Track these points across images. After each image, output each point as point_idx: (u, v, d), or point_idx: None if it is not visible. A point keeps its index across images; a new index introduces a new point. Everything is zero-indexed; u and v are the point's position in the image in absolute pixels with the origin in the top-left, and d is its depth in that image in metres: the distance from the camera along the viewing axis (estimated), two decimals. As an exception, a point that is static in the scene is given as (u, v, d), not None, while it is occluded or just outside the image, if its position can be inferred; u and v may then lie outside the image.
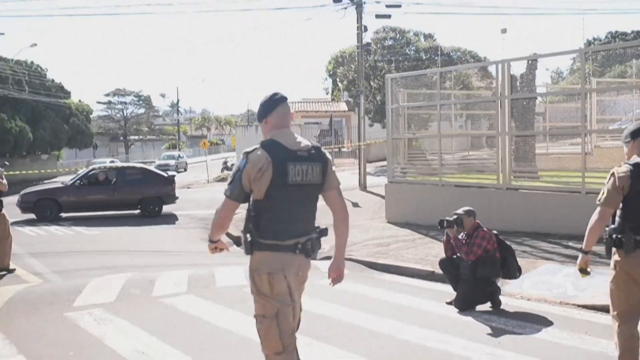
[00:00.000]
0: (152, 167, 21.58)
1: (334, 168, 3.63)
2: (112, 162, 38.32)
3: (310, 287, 7.40)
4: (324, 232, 3.62)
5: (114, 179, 17.23)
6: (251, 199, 3.42)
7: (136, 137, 73.19)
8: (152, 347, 5.30)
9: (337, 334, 5.68)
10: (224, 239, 3.99)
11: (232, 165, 38.77)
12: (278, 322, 3.41)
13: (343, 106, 41.10)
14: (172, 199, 17.20)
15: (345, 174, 27.04)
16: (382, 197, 14.39)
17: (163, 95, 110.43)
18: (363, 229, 12.37)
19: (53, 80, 44.84)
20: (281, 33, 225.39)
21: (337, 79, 36.71)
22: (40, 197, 16.52)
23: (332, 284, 3.75)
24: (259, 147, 3.39)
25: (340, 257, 3.71)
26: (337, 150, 34.26)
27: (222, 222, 3.55)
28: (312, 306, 6.50)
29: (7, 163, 10.94)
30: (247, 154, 3.40)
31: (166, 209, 17.29)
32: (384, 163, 21.03)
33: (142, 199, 16.86)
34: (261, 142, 3.44)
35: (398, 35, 34.64)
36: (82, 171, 18.57)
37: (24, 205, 16.41)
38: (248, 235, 3.47)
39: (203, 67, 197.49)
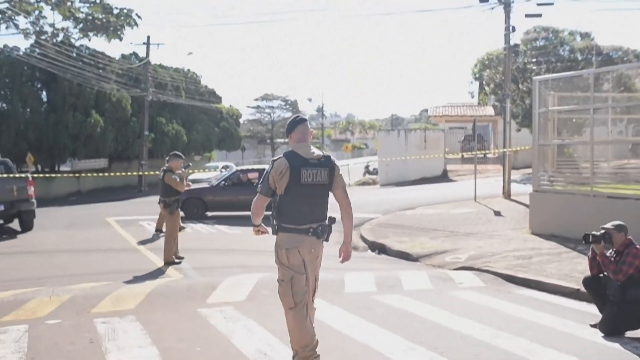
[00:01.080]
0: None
1: (340, 172, 4.78)
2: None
3: (441, 298, 7.15)
4: (332, 220, 4.74)
5: (256, 181, 17.82)
6: (276, 194, 4.58)
7: (282, 140, 75.66)
8: (275, 349, 5.29)
9: (463, 351, 5.32)
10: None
11: (374, 169, 39.12)
12: (292, 285, 4.62)
13: (489, 110, 39.61)
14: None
15: (489, 181, 26.03)
16: (527, 206, 13.59)
17: (310, 100, 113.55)
18: (504, 239, 11.71)
19: (206, 86, 47.63)
20: (426, 36, 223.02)
21: (484, 82, 35.44)
22: (188, 196, 17.46)
23: (341, 262, 4.93)
24: (282, 156, 4.58)
25: (348, 241, 4.91)
26: (481, 156, 33.07)
27: (257, 211, 4.73)
28: (441, 319, 6.20)
29: (190, 164, 11.74)
30: (273, 161, 4.59)
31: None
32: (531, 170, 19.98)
33: (281, 200, 17.26)
34: (284, 153, 4.63)
35: (551, 35, 32.68)
36: (226, 173, 19.40)
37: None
38: (274, 221, 4.67)
39: (349, 72, 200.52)
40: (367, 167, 39.96)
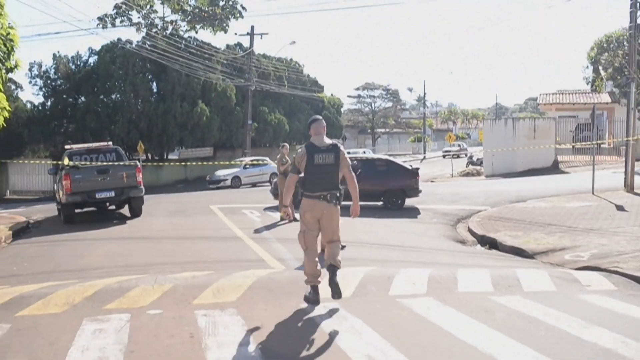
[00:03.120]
0: (396, 159, 21.39)
1: (346, 155, 6.57)
2: (364, 152, 39.50)
3: (568, 303, 6.38)
4: (341, 190, 6.49)
5: (359, 170, 17.39)
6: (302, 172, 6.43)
7: (382, 130, 74.99)
8: (384, 353, 4.81)
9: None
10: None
11: (478, 159, 37.71)
12: (304, 236, 6.52)
13: (605, 97, 37.00)
14: (415, 192, 16.80)
15: (606, 172, 24.27)
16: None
17: (410, 90, 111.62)
18: (631, 237, 10.63)
19: (308, 75, 47.73)
20: (533, 20, 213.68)
21: (600, 67, 33.07)
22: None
23: (352, 217, 6.84)
24: (303, 146, 6.49)
25: (356, 203, 6.70)
26: (596, 146, 30.97)
27: (289, 187, 6.65)
28: (571, 327, 5.48)
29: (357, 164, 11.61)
30: (299, 151, 6.50)
31: (409, 202, 16.96)
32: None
33: (385, 190, 16.74)
34: (305, 144, 6.52)
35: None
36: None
37: (276, 192, 17.35)
38: (301, 189, 6.48)
39: (451, 59, 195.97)
40: (470, 157, 38.62)
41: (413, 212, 16.13)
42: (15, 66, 9.13)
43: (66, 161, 15.42)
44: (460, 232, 13.58)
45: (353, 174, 6.63)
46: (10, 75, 9.27)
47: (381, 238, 12.10)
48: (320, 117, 6.75)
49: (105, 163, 15.70)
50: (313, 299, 6.40)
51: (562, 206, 15.74)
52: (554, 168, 30.05)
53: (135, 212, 16.08)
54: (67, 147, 16.85)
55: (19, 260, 10.37)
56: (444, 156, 53.88)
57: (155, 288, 6.98)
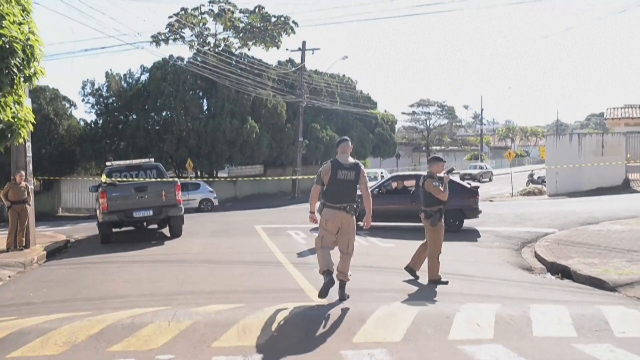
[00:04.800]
0: (453, 177, 19.96)
1: (365, 174, 7.54)
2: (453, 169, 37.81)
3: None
4: (359, 203, 7.44)
5: (413, 189, 16.15)
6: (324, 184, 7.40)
7: (438, 148, 73.10)
8: None
9: None
10: None
11: (540, 178, 35.72)
12: (322, 240, 7.41)
13: (680, 112, 34.58)
14: (474, 212, 15.35)
15: None
16: None
17: (466, 107, 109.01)
18: None
19: (361, 92, 46.67)
20: (591, 31, 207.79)
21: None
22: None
23: (365, 227, 7.58)
24: (329, 162, 7.44)
25: (368, 215, 7.50)
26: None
27: (314, 196, 7.48)
28: None
29: (454, 168, 10.68)
30: (324, 165, 7.45)
31: (467, 223, 15.57)
32: None
33: (441, 211, 15.41)
34: (330, 160, 7.50)
35: None
36: (381, 180, 17.89)
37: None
38: (322, 200, 7.50)
39: (509, 75, 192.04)
40: (531, 175, 36.63)
41: (472, 235, 14.74)
42: (34, 74, 8.36)
43: (103, 178, 14.76)
44: (527, 258, 12.16)
45: (369, 191, 7.63)
46: (28, 84, 8.44)
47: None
48: (348, 139, 7.69)
49: (144, 180, 14.96)
50: (326, 281, 7.22)
51: (641, 229, 14.13)
52: (625, 187, 27.94)
53: (175, 232, 15.25)
54: (107, 163, 16.25)
55: (40, 285, 9.58)
56: (462, 179, 46.47)
57: (172, 326, 5.98)
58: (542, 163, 36.63)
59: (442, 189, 8.70)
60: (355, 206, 7.32)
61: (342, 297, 7.16)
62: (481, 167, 49.68)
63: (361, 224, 7.62)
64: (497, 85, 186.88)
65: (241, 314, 6.39)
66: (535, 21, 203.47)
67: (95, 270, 10.80)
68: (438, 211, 8.79)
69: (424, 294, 7.96)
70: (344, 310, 6.64)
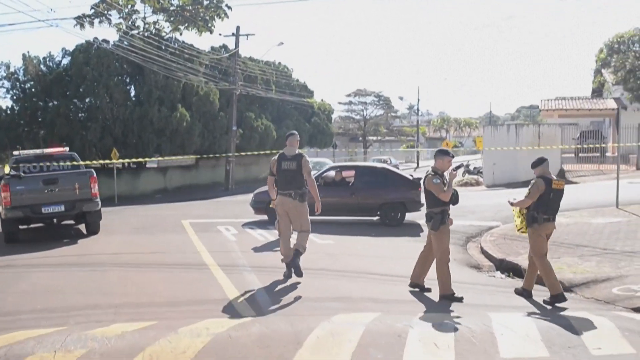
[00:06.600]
0: (395, 169, 19.02)
1: (308, 163, 8.47)
2: (385, 161, 36.80)
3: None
4: (306, 189, 8.39)
5: (352, 181, 15.19)
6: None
7: (374, 138, 72.87)
8: None
9: None
10: None
11: (475, 168, 35.58)
12: (279, 224, 8.52)
13: (610, 103, 35.04)
14: (416, 205, 14.42)
15: (621, 183, 21.38)
16: None
17: (401, 98, 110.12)
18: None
19: (297, 80, 45.43)
20: (534, 24, 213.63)
21: (607, 71, 31.08)
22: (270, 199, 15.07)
23: (316, 212, 8.61)
24: (277, 155, 8.56)
25: (316, 200, 8.57)
26: (597, 155, 29.20)
27: (270, 185, 8.69)
28: None
29: (463, 164, 9.28)
30: (272, 158, 8.63)
31: (409, 217, 14.72)
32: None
33: (382, 204, 14.50)
34: (279, 153, 8.59)
35: None
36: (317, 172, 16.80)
37: (257, 206, 15.11)
38: (276, 189, 8.50)
39: (443, 66, 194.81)
40: (467, 166, 36.43)
41: (415, 229, 13.90)
42: None
43: (6, 169, 13.08)
44: (473, 255, 11.44)
45: (313, 178, 8.66)
46: None
47: (382, 265, 9.90)
48: (295, 132, 8.88)
49: (55, 172, 13.31)
50: (287, 274, 8.37)
51: (587, 222, 13.69)
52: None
53: (92, 229, 13.70)
54: (15, 152, 14.49)
55: None
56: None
57: (58, 357, 4.72)
58: (477, 154, 36.55)
59: (444, 187, 7.46)
60: (300, 192, 8.30)
61: (294, 264, 8.19)
62: (385, 162, 46.61)
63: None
64: (432, 77, 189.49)
65: (149, 337, 5.18)
66: (474, 11, 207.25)
67: (-11, 277, 9.28)
68: (440, 213, 7.49)
69: (369, 302, 6.96)
70: (276, 329, 5.54)
